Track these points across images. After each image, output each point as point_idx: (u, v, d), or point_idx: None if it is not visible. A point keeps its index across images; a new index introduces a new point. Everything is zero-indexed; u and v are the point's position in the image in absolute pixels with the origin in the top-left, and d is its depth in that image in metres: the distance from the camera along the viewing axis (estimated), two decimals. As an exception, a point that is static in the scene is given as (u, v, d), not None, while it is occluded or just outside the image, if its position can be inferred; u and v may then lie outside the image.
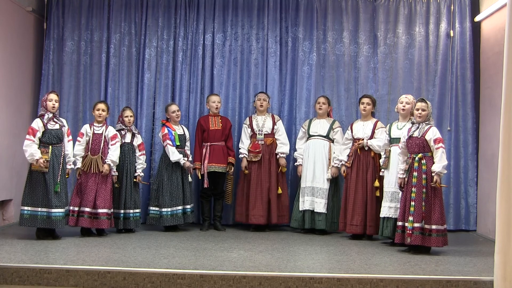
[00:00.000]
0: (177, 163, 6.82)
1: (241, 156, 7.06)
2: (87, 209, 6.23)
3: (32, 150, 5.87)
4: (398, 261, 5.29)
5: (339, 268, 4.90)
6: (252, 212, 6.92)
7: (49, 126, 6.02)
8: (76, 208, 6.25)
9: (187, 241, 6.13)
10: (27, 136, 5.94)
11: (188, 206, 6.88)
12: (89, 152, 6.31)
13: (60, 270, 4.62)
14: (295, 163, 7.13)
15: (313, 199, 6.83)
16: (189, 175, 6.93)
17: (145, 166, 6.82)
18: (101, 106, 6.44)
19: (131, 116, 6.73)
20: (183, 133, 6.99)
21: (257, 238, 6.51)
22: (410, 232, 5.49)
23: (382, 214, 6.16)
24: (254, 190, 6.95)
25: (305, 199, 6.85)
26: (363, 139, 6.55)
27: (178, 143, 6.84)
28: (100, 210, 6.26)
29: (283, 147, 7.10)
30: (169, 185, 6.79)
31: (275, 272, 4.65)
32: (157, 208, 6.81)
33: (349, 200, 6.54)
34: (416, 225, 5.50)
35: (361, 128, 6.65)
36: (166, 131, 6.84)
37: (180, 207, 6.80)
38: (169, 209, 6.75)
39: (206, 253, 5.42)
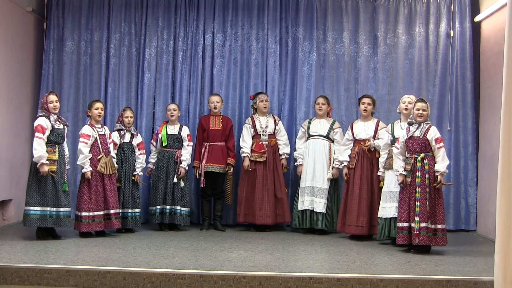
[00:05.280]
0: (169, 163, 6.83)
1: (244, 155, 7.01)
2: (113, 211, 6.26)
3: (41, 152, 5.77)
4: (398, 261, 5.29)
5: (339, 268, 4.90)
6: (260, 213, 6.89)
7: (56, 126, 6.00)
8: (102, 212, 6.20)
9: (187, 241, 6.13)
10: (37, 134, 5.83)
11: (168, 207, 6.80)
12: (103, 154, 6.27)
13: (60, 270, 4.62)
14: (295, 163, 7.13)
15: (313, 199, 6.82)
16: (174, 177, 6.81)
17: (144, 166, 6.83)
18: (100, 105, 6.40)
19: (131, 117, 6.73)
20: (177, 133, 6.95)
21: (257, 238, 6.51)
22: (417, 232, 5.48)
23: (389, 215, 6.08)
24: (260, 190, 6.93)
25: (305, 199, 6.84)
26: (368, 140, 6.54)
27: (165, 144, 6.87)
28: (112, 211, 6.33)
29: (286, 148, 7.12)
30: (155, 184, 6.88)
31: (275, 272, 4.65)
32: (150, 206, 6.94)
33: (353, 201, 6.48)
34: (422, 225, 5.50)
35: (363, 129, 6.64)
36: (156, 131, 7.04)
37: (159, 207, 6.81)
38: (152, 208, 6.85)
39: (206, 253, 5.42)
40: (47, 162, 5.82)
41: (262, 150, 6.99)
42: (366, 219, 6.43)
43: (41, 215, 5.90)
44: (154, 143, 6.99)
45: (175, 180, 6.83)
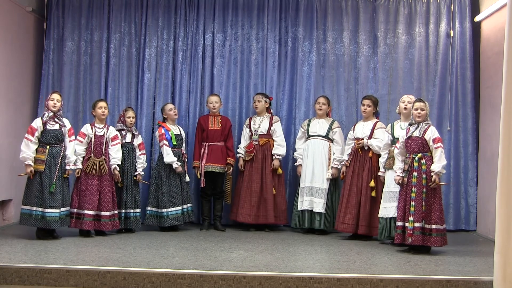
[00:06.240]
0: (181, 163, 6.85)
1: (237, 155, 7.14)
2: (90, 212, 6.19)
3: (25, 154, 5.89)
4: (398, 261, 5.29)
5: (339, 268, 4.90)
6: (241, 211, 6.97)
7: (48, 126, 6.01)
8: (80, 211, 6.20)
9: (187, 241, 6.14)
10: (26, 135, 5.95)
11: (185, 206, 6.89)
12: (92, 154, 6.27)
13: (60, 270, 4.62)
14: (295, 163, 7.14)
15: (312, 199, 6.83)
16: (186, 175, 6.96)
17: (145, 166, 6.82)
18: (103, 104, 6.42)
19: (133, 117, 6.74)
20: (179, 133, 7.00)
21: (257, 238, 6.51)
22: (411, 232, 5.49)
23: (390, 215, 6.09)
24: (244, 189, 6.99)
25: (304, 199, 6.85)
26: (363, 139, 6.56)
27: (175, 143, 6.86)
28: (103, 213, 6.25)
29: (279, 149, 7.07)
30: (168, 185, 6.79)
31: (275, 272, 4.65)
32: (155, 209, 6.82)
33: (343, 198, 6.56)
34: (416, 225, 5.50)
35: (361, 128, 6.66)
36: (162, 131, 6.86)
37: (179, 208, 6.81)
38: (169, 210, 6.75)
39: (206, 253, 5.43)
40: (31, 163, 5.91)
41: (250, 149, 7.02)
42: (353, 217, 6.45)
43: (28, 214, 5.95)
44: (167, 143, 6.81)
45: (188, 179, 6.94)
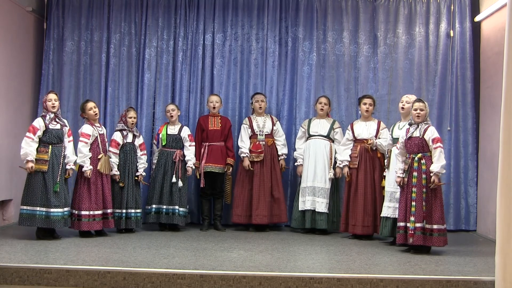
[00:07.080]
0: (167, 162, 6.84)
1: (243, 155, 7.02)
2: (110, 210, 6.34)
3: (27, 150, 5.86)
4: (398, 261, 5.29)
5: (339, 268, 4.90)
6: (256, 212, 6.91)
7: (50, 126, 6.01)
8: (101, 212, 6.25)
9: (187, 241, 6.14)
10: (27, 134, 5.92)
11: (171, 207, 6.77)
12: (102, 153, 6.30)
13: (60, 270, 4.62)
14: (295, 163, 7.13)
15: (314, 198, 6.82)
16: (173, 176, 6.77)
17: (146, 166, 6.83)
18: (92, 104, 6.39)
19: (134, 118, 6.75)
20: (176, 133, 6.94)
21: (257, 238, 6.51)
22: (412, 232, 5.49)
23: (382, 214, 6.16)
24: (257, 190, 6.94)
25: (306, 199, 6.84)
26: (370, 139, 6.55)
27: (164, 143, 6.88)
28: (109, 210, 6.36)
29: (284, 149, 7.12)
30: (154, 183, 6.87)
31: (275, 272, 4.65)
32: (147, 205, 6.94)
33: (358, 201, 6.50)
34: (417, 225, 5.50)
35: (365, 129, 6.64)
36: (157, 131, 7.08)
37: (153, 206, 6.81)
38: (149, 207, 6.84)
39: (206, 253, 5.43)
40: (33, 159, 5.87)
41: (259, 150, 7.00)
42: (372, 218, 6.47)
43: (30, 214, 5.92)
44: (156, 142, 7.02)
45: (174, 179, 6.81)
